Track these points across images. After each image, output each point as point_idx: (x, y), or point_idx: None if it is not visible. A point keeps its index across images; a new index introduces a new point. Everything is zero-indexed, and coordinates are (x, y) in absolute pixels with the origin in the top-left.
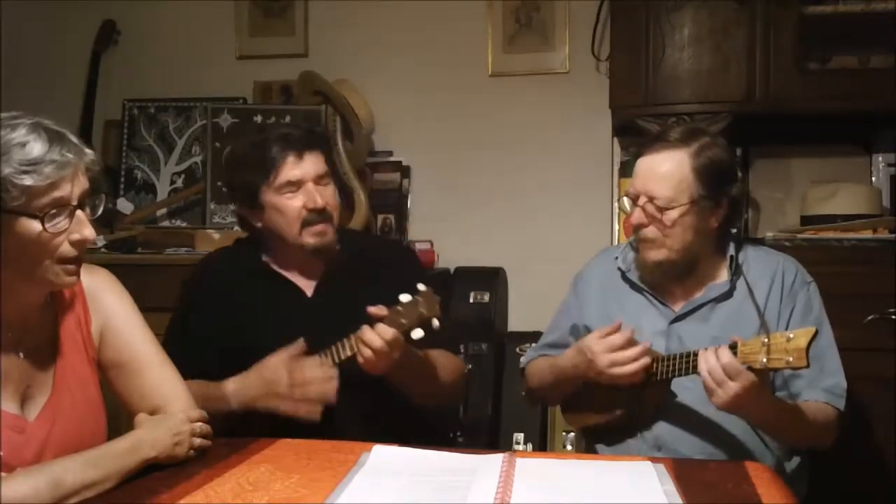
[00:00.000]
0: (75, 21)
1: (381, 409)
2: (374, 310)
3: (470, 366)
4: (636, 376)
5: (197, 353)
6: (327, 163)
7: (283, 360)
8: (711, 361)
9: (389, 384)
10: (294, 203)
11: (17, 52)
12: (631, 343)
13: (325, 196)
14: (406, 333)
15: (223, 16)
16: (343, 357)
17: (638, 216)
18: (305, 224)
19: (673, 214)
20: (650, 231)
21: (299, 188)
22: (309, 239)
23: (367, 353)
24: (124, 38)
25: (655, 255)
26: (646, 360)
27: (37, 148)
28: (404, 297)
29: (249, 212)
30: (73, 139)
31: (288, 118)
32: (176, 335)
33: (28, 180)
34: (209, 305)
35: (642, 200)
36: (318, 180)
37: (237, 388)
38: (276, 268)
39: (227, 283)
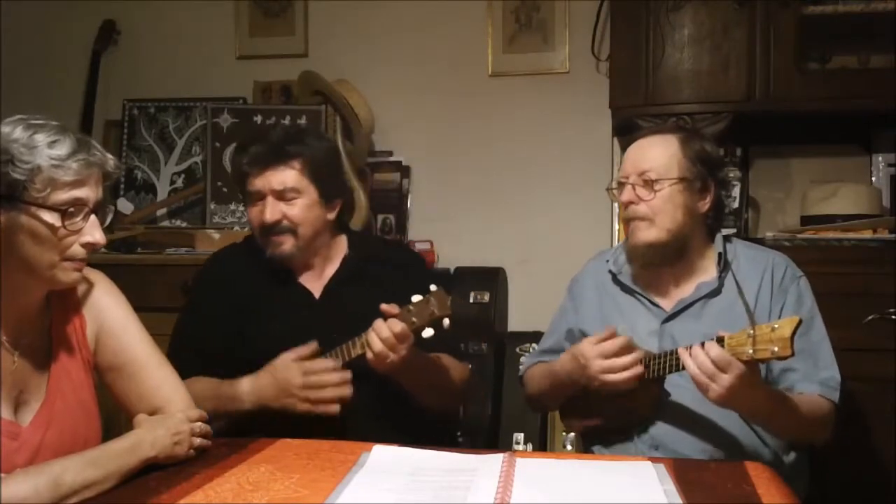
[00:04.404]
0: (75, 21)
1: (389, 408)
2: (386, 307)
3: (470, 366)
4: (628, 384)
5: (204, 349)
6: (308, 175)
7: (294, 361)
8: (700, 357)
9: (396, 385)
10: (253, 214)
11: (17, 52)
12: (625, 350)
13: (284, 211)
14: (417, 332)
15: (223, 16)
16: (353, 355)
17: (628, 194)
18: (262, 234)
19: (664, 188)
20: (641, 207)
21: (260, 199)
22: (267, 247)
23: (378, 345)
24: (124, 38)
25: (646, 234)
26: (638, 370)
27: (65, 146)
28: (415, 298)
29: None
30: (97, 146)
31: (288, 118)
32: (184, 330)
33: (55, 174)
34: (218, 302)
35: (633, 178)
36: (280, 195)
37: (251, 388)
38: (284, 269)
39: (236, 281)
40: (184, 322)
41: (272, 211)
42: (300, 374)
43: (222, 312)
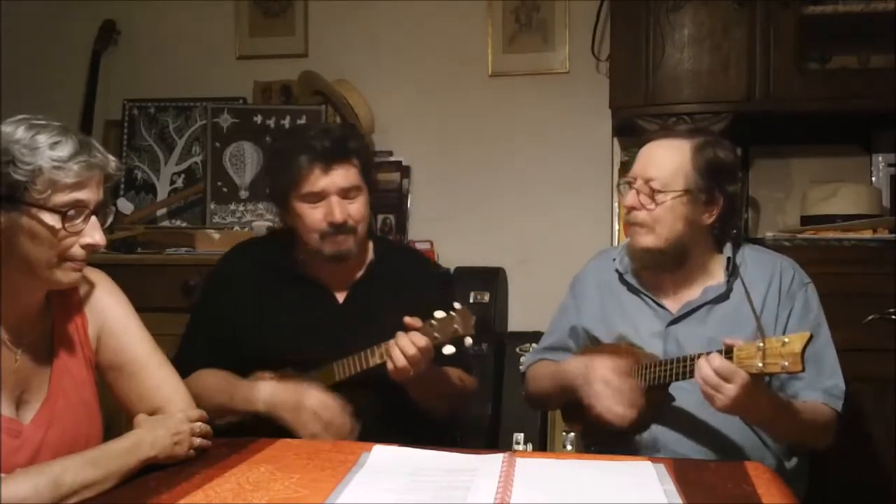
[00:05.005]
0: (75, 21)
1: (390, 409)
2: (410, 320)
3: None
4: (616, 421)
5: (220, 345)
6: (362, 173)
7: (320, 392)
8: (704, 369)
9: (401, 391)
10: (315, 214)
11: (17, 52)
12: (633, 392)
13: (349, 210)
14: (437, 348)
15: (223, 16)
16: (371, 364)
17: (632, 198)
18: (324, 235)
19: (666, 199)
20: (641, 214)
21: (323, 199)
22: (327, 247)
23: (400, 359)
24: (124, 38)
25: (644, 240)
26: (629, 414)
27: (67, 148)
28: (439, 314)
29: (280, 210)
30: (99, 147)
31: (288, 118)
32: (200, 323)
33: (56, 176)
34: (238, 297)
35: (638, 184)
36: (345, 193)
37: (269, 396)
38: (308, 270)
39: (256, 279)
40: (199, 315)
41: (342, 210)
42: (320, 402)
43: (241, 309)
